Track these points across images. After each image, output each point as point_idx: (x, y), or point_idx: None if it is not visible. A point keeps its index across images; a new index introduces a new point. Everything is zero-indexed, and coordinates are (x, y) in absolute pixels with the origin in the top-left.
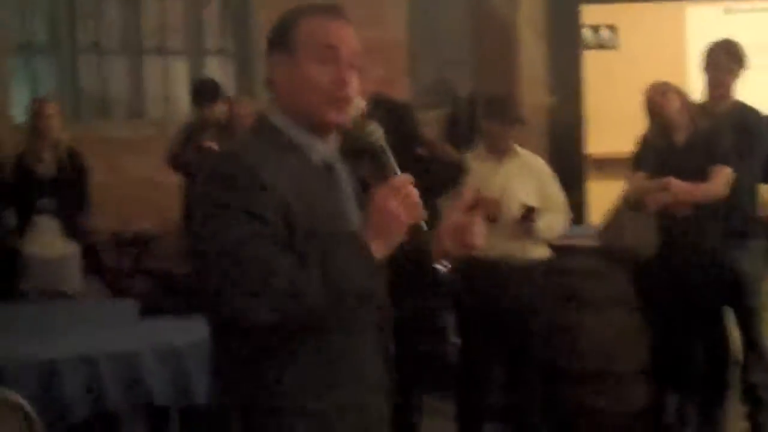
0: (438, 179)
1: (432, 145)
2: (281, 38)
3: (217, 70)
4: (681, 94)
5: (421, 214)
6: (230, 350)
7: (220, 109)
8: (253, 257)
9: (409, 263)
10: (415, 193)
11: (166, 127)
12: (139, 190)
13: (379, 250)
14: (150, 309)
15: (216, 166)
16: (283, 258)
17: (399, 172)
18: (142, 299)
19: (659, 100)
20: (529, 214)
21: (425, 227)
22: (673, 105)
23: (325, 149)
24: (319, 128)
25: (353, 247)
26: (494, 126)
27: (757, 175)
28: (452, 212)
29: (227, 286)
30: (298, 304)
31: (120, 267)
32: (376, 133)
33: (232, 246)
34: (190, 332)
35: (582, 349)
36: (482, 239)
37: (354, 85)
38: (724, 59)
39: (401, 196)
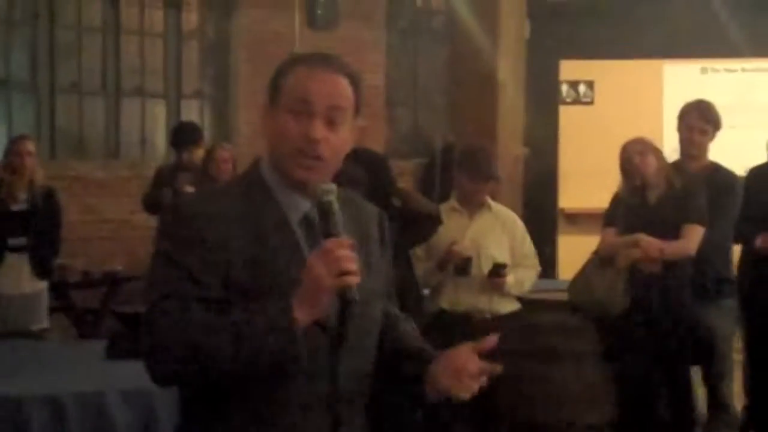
0: (412, 231)
1: (407, 197)
2: (272, 87)
3: (195, 113)
4: (658, 154)
5: (350, 281)
6: (187, 398)
7: (198, 153)
8: (168, 313)
9: (399, 395)
10: (348, 257)
11: (142, 168)
12: (113, 230)
13: (302, 315)
14: (117, 350)
15: (167, 217)
16: (198, 319)
17: (341, 234)
18: (110, 340)
19: (638, 160)
20: (498, 270)
21: (355, 295)
22: (651, 166)
23: (307, 206)
24: (293, 185)
25: (274, 310)
26: (468, 181)
27: (729, 235)
28: (449, 354)
29: (143, 335)
30: (202, 362)
31: (89, 307)
32: (329, 192)
33: (156, 300)
34: None
35: (551, 401)
36: (479, 383)
37: (328, 140)
38: (698, 120)
39: (331, 260)
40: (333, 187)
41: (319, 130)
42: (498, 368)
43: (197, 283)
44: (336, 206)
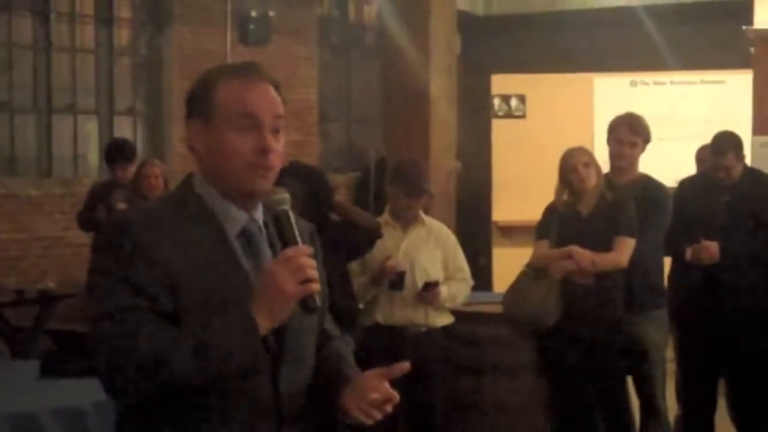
0: (352, 244)
1: (346, 211)
2: (198, 103)
3: (127, 130)
4: (598, 167)
5: (313, 288)
6: (121, 415)
7: (132, 170)
8: (119, 329)
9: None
10: (308, 264)
11: (75, 185)
12: (45, 248)
13: (264, 323)
14: (51, 369)
15: (105, 232)
16: (151, 330)
17: (299, 242)
18: (43, 359)
19: (582, 171)
20: (429, 287)
21: (317, 302)
22: (592, 179)
23: (245, 218)
24: (242, 197)
25: (234, 319)
26: (401, 196)
27: (660, 247)
28: (357, 380)
29: (96, 354)
30: (161, 375)
31: (22, 326)
32: (284, 200)
33: (104, 315)
34: (93, 393)
35: (486, 414)
36: (382, 412)
37: (278, 150)
38: (627, 133)
39: (295, 268)
40: (287, 196)
41: (271, 141)
42: (396, 398)
43: (145, 294)
44: (292, 214)
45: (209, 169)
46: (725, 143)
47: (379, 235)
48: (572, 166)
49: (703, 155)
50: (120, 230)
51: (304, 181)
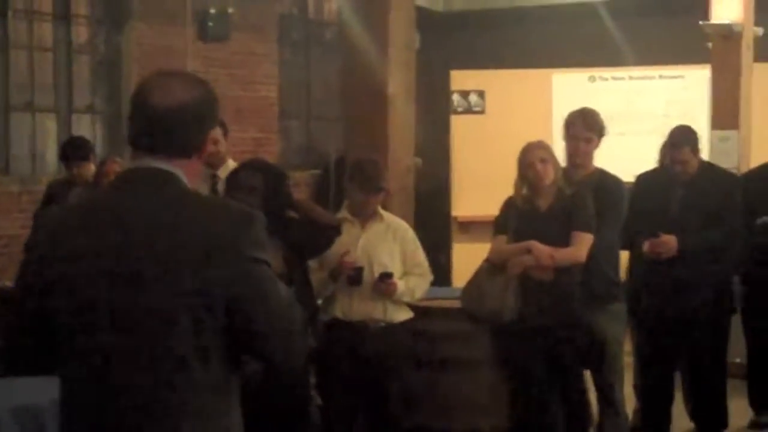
0: (311, 241)
1: (305, 208)
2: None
3: (86, 127)
4: (556, 163)
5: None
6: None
7: (89, 168)
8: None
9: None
10: None
11: (33, 183)
12: (3, 246)
13: None
14: (8, 368)
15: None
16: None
17: None
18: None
19: (539, 167)
20: (384, 278)
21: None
22: (550, 176)
23: None
24: None
25: None
26: (358, 193)
27: (616, 240)
28: None
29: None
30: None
31: None
32: None
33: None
34: (50, 391)
35: (445, 409)
36: None
37: None
38: (582, 129)
39: None
40: None
41: None
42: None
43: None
44: None
45: None
46: (681, 137)
47: (339, 233)
48: (529, 161)
49: (664, 151)
50: None
51: (263, 175)
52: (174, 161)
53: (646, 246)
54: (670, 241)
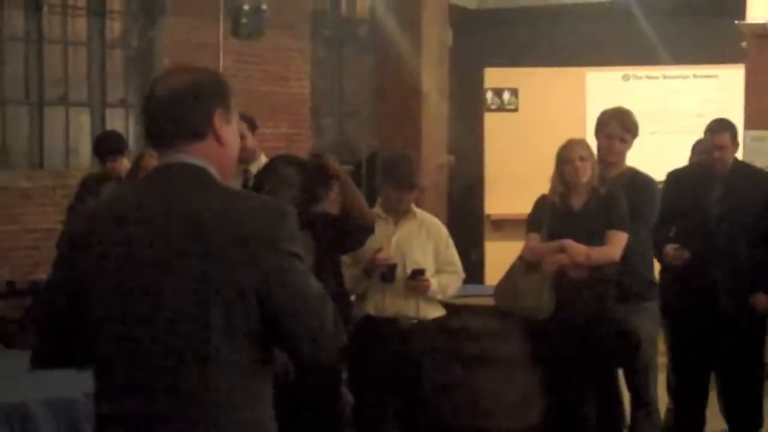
0: (341, 241)
1: (348, 200)
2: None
3: (120, 122)
4: (594, 162)
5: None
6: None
7: (123, 162)
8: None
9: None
10: None
11: (67, 178)
12: (37, 240)
13: None
14: (42, 361)
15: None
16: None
17: None
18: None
19: (579, 165)
20: (416, 275)
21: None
22: (588, 172)
23: None
24: None
25: None
26: (391, 190)
27: (649, 239)
28: None
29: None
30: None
31: (13, 317)
32: None
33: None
34: (83, 383)
35: (478, 407)
36: None
37: None
38: (617, 129)
39: None
40: None
41: None
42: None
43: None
44: None
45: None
46: (722, 123)
47: (372, 232)
48: (569, 158)
49: (699, 149)
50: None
51: (301, 172)
52: (192, 147)
53: (667, 249)
54: (684, 255)
